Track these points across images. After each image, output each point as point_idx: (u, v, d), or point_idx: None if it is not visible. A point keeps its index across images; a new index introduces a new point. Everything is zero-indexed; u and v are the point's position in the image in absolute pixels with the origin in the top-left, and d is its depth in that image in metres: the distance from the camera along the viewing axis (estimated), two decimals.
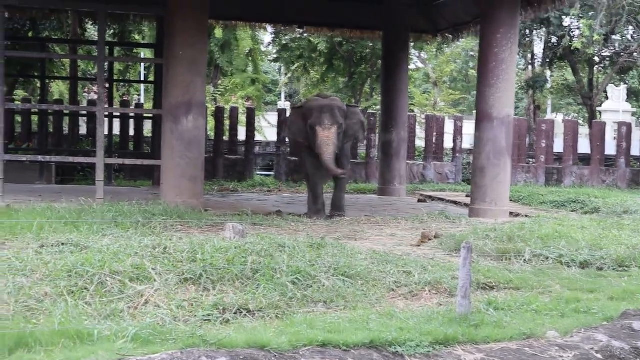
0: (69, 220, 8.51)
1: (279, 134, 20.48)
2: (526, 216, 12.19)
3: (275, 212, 11.58)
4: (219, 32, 24.64)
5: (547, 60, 27.47)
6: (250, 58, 28.98)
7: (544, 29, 26.14)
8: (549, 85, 29.78)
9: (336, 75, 28.79)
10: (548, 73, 28.94)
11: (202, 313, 5.22)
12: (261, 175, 20.75)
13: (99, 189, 11.88)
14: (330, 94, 12.27)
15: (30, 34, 21.79)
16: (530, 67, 29.57)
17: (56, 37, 23.06)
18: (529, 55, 28.99)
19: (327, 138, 10.93)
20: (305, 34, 23.81)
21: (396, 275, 6.50)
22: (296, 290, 5.78)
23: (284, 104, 34.82)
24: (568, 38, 24.10)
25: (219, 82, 29.39)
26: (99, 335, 4.59)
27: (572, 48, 23.81)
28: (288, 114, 20.27)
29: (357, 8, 18.62)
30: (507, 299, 5.97)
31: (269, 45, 30.32)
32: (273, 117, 27.12)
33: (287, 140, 18.73)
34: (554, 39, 26.95)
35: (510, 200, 13.83)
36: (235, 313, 5.30)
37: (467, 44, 39.61)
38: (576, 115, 42.39)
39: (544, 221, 9.99)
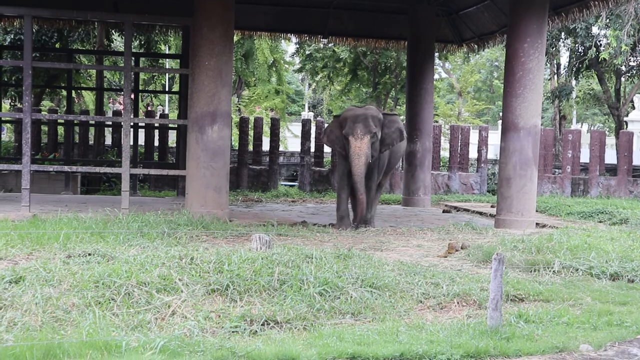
0: (95, 231, 8.51)
1: (302, 144, 20.45)
2: (553, 227, 12.06)
3: (300, 223, 11.54)
4: (239, 42, 24.71)
5: (574, 69, 27.27)
6: (274, 69, 29.05)
7: (571, 39, 25.96)
8: (574, 95, 29.57)
9: (360, 86, 28.75)
10: (574, 83, 28.72)
11: (230, 324, 5.19)
12: (285, 185, 20.72)
13: (125, 199, 11.89)
14: (368, 104, 12.22)
15: (57, 45, 21.94)
16: (555, 76, 29.39)
17: (83, 48, 23.22)
18: (555, 65, 28.80)
19: (359, 149, 10.91)
20: (329, 44, 23.79)
21: (424, 287, 6.44)
22: (324, 301, 5.74)
23: (307, 114, 34.86)
24: (594, 48, 23.89)
25: (243, 92, 29.46)
26: (126, 347, 4.57)
27: (599, 58, 23.59)
28: (313, 124, 20.36)
29: (382, 18, 18.60)
30: (537, 312, 5.89)
31: (293, 55, 30.33)
32: (297, 128, 27.15)
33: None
34: (581, 49, 26.77)
35: (537, 211, 13.71)
36: (262, 324, 5.27)
37: (492, 54, 39.55)
38: (602, 125, 42.10)
39: (572, 232, 9.87)
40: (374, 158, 11.22)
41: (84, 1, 14.76)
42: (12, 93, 23.31)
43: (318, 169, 20.44)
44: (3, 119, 19.55)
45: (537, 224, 12.58)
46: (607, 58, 22.26)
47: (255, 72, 27.55)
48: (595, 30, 24.68)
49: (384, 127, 11.29)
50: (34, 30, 15.44)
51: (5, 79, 21.06)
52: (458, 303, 6.15)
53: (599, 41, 24.64)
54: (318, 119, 24.30)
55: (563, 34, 24.99)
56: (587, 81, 28.96)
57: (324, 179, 20.23)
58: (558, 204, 16.39)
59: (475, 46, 19.52)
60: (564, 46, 27.88)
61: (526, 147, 12.28)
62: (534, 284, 6.87)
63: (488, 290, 5.81)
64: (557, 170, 22.30)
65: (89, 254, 6.77)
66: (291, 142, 28.37)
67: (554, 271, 7.55)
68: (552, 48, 25.98)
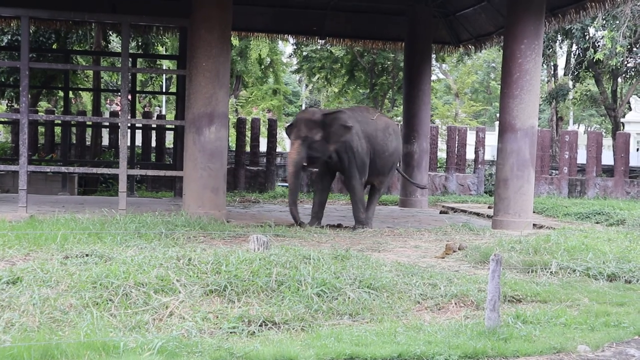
0: (93, 231, 8.50)
1: None
2: (550, 228, 12.07)
3: (298, 224, 11.54)
4: (235, 41, 24.70)
5: (571, 71, 27.31)
6: (271, 69, 29.03)
7: (567, 40, 26.01)
8: (571, 96, 29.62)
9: (357, 87, 28.77)
10: (570, 84, 28.76)
11: (228, 325, 5.18)
12: (282, 186, 20.71)
13: (122, 199, 11.88)
14: (312, 107, 12.26)
15: (54, 46, 21.93)
16: (552, 78, 29.42)
17: (80, 49, 23.20)
18: (552, 66, 28.84)
19: (290, 153, 11.40)
20: (326, 45, 23.80)
21: (422, 288, 6.44)
22: (321, 302, 5.74)
23: None
24: (592, 50, 23.94)
25: (240, 93, 29.45)
26: (124, 348, 4.56)
27: (595, 59, 23.63)
28: None
29: (379, 19, 18.61)
30: (535, 312, 5.89)
31: (290, 56, 30.34)
32: None
33: None
34: (577, 50, 26.81)
35: (534, 212, 13.72)
36: (260, 325, 5.26)
37: (489, 56, 39.59)
38: (599, 126, 42.17)
39: (569, 233, 9.88)
40: (332, 159, 11.39)
41: (81, 2, 14.74)
42: (10, 94, 23.29)
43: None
44: (0, 119, 19.53)
45: (534, 225, 12.60)
46: (602, 59, 22.29)
47: (249, 70, 27.53)
48: (591, 31, 24.72)
49: (326, 126, 11.28)
50: (31, 31, 15.40)
51: (2, 80, 21.06)
52: (456, 304, 6.15)
53: (597, 42, 24.68)
54: None
55: (559, 35, 25.04)
56: (584, 83, 28.99)
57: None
58: (555, 205, 16.40)
59: (472, 47, 19.55)
60: (560, 48, 27.93)
61: (523, 148, 12.30)
62: (531, 284, 6.88)
63: (486, 291, 5.82)
64: (554, 171, 22.34)
65: (87, 255, 6.75)
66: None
67: (551, 272, 7.55)
68: (549, 50, 26.02)
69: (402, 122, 18.50)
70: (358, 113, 11.92)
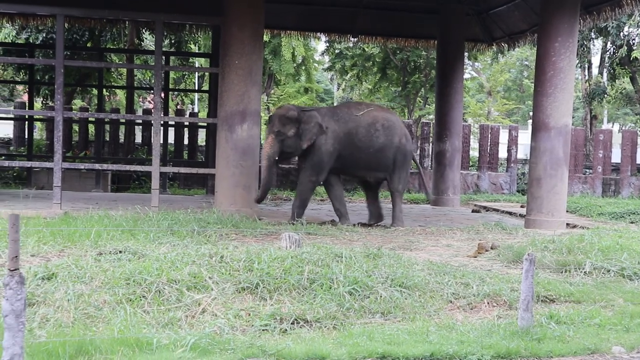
0: (126, 228, 8.56)
1: None
2: (584, 228, 11.96)
3: (329, 222, 11.54)
4: (267, 38, 24.75)
5: (608, 69, 27.02)
6: (303, 67, 29.03)
7: (602, 38, 25.74)
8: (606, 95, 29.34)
9: (389, 85, 28.68)
10: (605, 82, 28.45)
11: (260, 323, 5.20)
12: None
13: (154, 197, 11.95)
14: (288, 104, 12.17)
15: (88, 44, 22.11)
16: (587, 76, 29.14)
17: (114, 47, 23.38)
18: (586, 65, 28.57)
19: (263, 147, 11.46)
20: (358, 43, 23.75)
21: (454, 287, 6.41)
22: (353, 300, 5.73)
23: None
24: (627, 47, 23.68)
25: (272, 91, 29.49)
26: (157, 344, 4.59)
27: (631, 57, 23.37)
28: None
29: (412, 17, 18.55)
30: (568, 313, 5.84)
31: (322, 54, 30.33)
32: None
33: None
34: (612, 48, 26.52)
35: (567, 212, 13.60)
36: (292, 323, 5.27)
37: (522, 53, 39.29)
38: (633, 125, 41.68)
39: (603, 233, 9.78)
40: (311, 154, 11.41)
41: (115, 0, 14.85)
42: (45, 91, 23.53)
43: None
44: (35, 117, 19.74)
45: (567, 224, 12.49)
46: (638, 57, 22.04)
47: (282, 68, 27.56)
48: (627, 29, 24.45)
49: (302, 122, 11.30)
50: (65, 29, 15.54)
51: (38, 78, 21.25)
52: (488, 303, 6.12)
53: (632, 40, 24.41)
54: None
55: (594, 33, 24.78)
56: (620, 81, 28.68)
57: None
58: (589, 204, 16.26)
59: (506, 45, 19.41)
60: (594, 45, 27.64)
61: (557, 147, 12.19)
62: (564, 284, 6.82)
63: (518, 291, 5.78)
64: (587, 170, 22.12)
65: (120, 252, 6.80)
66: None
67: (585, 272, 7.48)
68: (583, 48, 25.77)
69: (434, 121, 18.42)
70: (341, 110, 11.90)
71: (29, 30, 21.47)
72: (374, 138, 11.62)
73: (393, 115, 12.40)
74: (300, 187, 11.65)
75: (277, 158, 11.38)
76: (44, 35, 21.29)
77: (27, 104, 19.80)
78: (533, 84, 13.03)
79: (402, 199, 12.30)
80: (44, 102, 24.45)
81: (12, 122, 21.58)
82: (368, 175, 11.91)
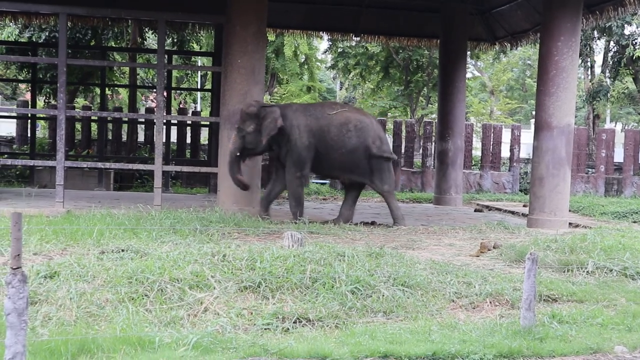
0: (128, 227, 8.57)
1: None
2: (587, 227, 11.95)
3: (331, 221, 11.54)
4: (270, 37, 24.76)
5: (611, 69, 26.99)
6: (306, 66, 29.04)
7: (605, 37, 25.72)
8: (609, 95, 29.34)
9: (392, 84, 28.69)
10: (608, 82, 28.44)
11: (262, 322, 5.20)
12: (316, 183, 20.73)
13: (157, 195, 11.96)
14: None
15: (91, 43, 22.13)
16: (589, 75, 29.13)
17: (116, 46, 23.40)
18: (589, 64, 28.56)
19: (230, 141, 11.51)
20: (361, 42, 23.76)
21: (456, 286, 6.41)
22: (355, 299, 5.74)
23: None
24: (631, 47, 23.66)
25: (275, 90, 29.50)
26: (160, 343, 4.60)
27: (634, 56, 23.34)
28: None
29: (414, 16, 18.55)
30: (571, 312, 5.84)
31: (325, 52, 30.35)
32: None
33: None
34: (615, 48, 26.50)
35: (570, 211, 13.58)
36: (294, 322, 5.27)
37: (524, 53, 39.26)
38: (636, 124, 41.64)
39: (606, 232, 9.77)
40: (290, 152, 11.34)
41: None
42: (47, 90, 23.55)
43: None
44: (38, 115, 19.77)
45: (570, 223, 12.48)
46: None
47: (286, 67, 27.59)
48: (630, 28, 24.43)
49: (263, 119, 11.26)
50: (68, 27, 15.55)
51: (40, 76, 21.27)
52: (490, 303, 6.12)
53: (635, 40, 24.39)
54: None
55: (596, 32, 24.77)
56: (622, 80, 28.66)
57: None
58: (591, 203, 16.24)
59: (508, 45, 19.42)
60: (597, 45, 27.63)
61: (559, 146, 12.18)
62: (567, 284, 6.81)
63: (521, 290, 5.78)
64: (590, 169, 22.10)
65: (122, 250, 6.81)
66: None
67: (587, 271, 7.47)
68: (586, 47, 25.75)
69: (437, 120, 18.42)
70: (315, 108, 11.82)
71: (32, 28, 21.51)
72: (345, 138, 11.45)
73: (368, 117, 12.14)
74: (290, 187, 11.60)
75: (238, 154, 11.29)
76: (47, 33, 21.33)
77: (29, 103, 19.84)
78: (536, 83, 13.00)
79: (394, 198, 12.09)
80: (46, 100, 24.48)
81: (14, 120, 21.60)
82: (342, 176, 11.86)
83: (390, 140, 21.41)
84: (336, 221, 11.41)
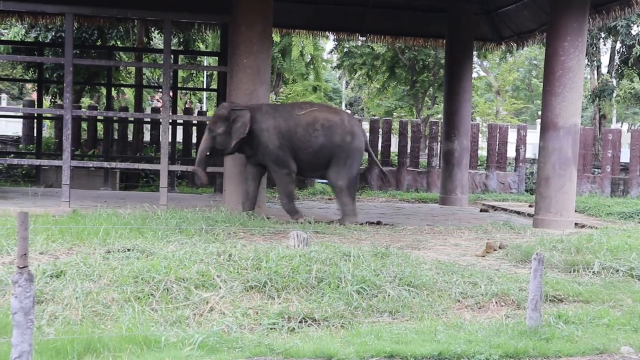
0: (134, 226, 8.58)
1: None
2: (593, 227, 11.93)
3: (337, 221, 11.53)
4: (276, 38, 24.78)
5: (615, 68, 26.94)
6: (312, 66, 29.06)
7: (611, 37, 25.67)
8: (615, 94, 29.27)
9: (398, 84, 28.67)
10: (614, 82, 28.38)
11: (268, 321, 5.20)
12: (322, 183, 20.71)
13: (163, 195, 11.99)
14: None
15: (97, 43, 22.16)
16: (595, 75, 29.08)
17: (122, 46, 23.43)
18: (595, 64, 28.51)
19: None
20: (367, 42, 23.76)
21: (462, 286, 6.40)
22: (361, 299, 5.73)
23: None
24: (638, 47, 23.61)
25: (281, 90, 29.51)
26: (166, 342, 4.61)
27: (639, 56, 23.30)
28: None
29: (420, 16, 18.54)
30: (577, 312, 5.83)
31: (330, 52, 30.34)
32: None
33: None
34: (622, 48, 26.45)
35: (576, 211, 13.56)
36: (300, 322, 5.28)
37: (530, 53, 39.22)
38: None
39: (612, 233, 9.75)
40: (267, 156, 11.35)
41: None
42: (53, 90, 23.59)
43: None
44: (44, 115, 19.81)
45: (576, 224, 12.46)
46: None
47: (292, 67, 27.61)
48: (636, 28, 24.38)
49: (233, 122, 11.30)
50: (74, 27, 15.57)
51: (47, 76, 21.31)
52: (496, 303, 6.11)
53: None
54: (355, 116, 24.27)
55: (603, 32, 24.72)
56: (629, 80, 28.59)
57: (360, 177, 20.18)
58: (597, 204, 16.21)
59: (514, 45, 19.38)
60: (604, 45, 27.58)
61: (565, 147, 12.16)
62: (573, 284, 6.80)
63: (527, 290, 5.77)
64: (596, 170, 22.06)
65: (128, 250, 6.82)
66: None
67: (593, 272, 7.45)
68: (592, 47, 25.70)
69: (442, 120, 18.40)
70: (284, 108, 11.80)
71: (38, 28, 21.54)
72: (312, 138, 11.40)
73: (339, 115, 11.93)
74: (280, 185, 11.67)
75: (208, 154, 11.47)
76: (53, 33, 21.36)
77: (36, 102, 19.88)
78: (542, 84, 12.99)
79: (347, 195, 11.66)
80: (52, 100, 24.54)
81: (21, 120, 21.67)
82: (307, 175, 11.92)
83: (395, 140, 21.43)
84: (341, 221, 11.41)
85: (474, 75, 26.28)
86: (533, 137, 22.81)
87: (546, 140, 12.33)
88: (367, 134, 21.28)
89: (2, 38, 24.33)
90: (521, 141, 21.59)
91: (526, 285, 6.18)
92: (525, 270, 7.38)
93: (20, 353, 3.89)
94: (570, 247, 8.28)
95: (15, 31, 23.32)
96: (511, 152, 22.18)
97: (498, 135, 21.47)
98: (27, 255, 4.03)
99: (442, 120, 18.94)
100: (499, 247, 8.98)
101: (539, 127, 13.15)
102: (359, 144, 11.74)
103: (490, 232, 10.94)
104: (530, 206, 15.76)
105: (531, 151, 23.92)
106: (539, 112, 16.16)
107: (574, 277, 7.30)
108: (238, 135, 11.19)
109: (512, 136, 22.73)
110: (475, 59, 23.79)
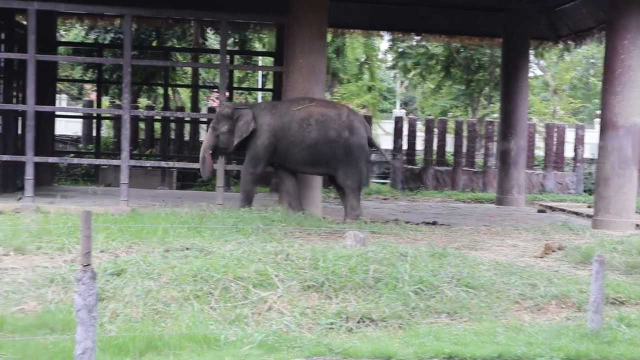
0: (192, 225, 8.66)
1: (394, 141, 20.41)
2: None
3: (392, 220, 11.51)
4: (330, 37, 24.77)
5: None
6: (366, 66, 29.02)
7: None
8: None
9: (453, 83, 28.45)
10: None
11: (326, 321, 5.22)
12: (377, 183, 20.68)
13: (219, 194, 12.08)
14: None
15: (154, 43, 22.43)
16: None
17: (179, 46, 23.66)
18: None
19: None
20: (422, 41, 23.65)
21: (521, 287, 6.33)
22: (419, 300, 5.71)
23: (399, 111, 34.72)
24: None
25: (336, 89, 29.52)
26: (225, 341, 4.65)
27: None
28: (406, 121, 20.36)
29: (476, 15, 18.38)
30: (639, 315, 5.72)
31: (385, 52, 30.25)
32: (388, 125, 27.08)
33: None
34: None
35: (637, 212, 13.30)
36: (358, 322, 5.28)
37: (588, 51, 38.57)
38: None
39: None
40: (249, 149, 11.35)
41: (181, 0, 15.04)
42: (113, 90, 23.94)
43: (410, 166, 20.34)
44: (103, 115, 20.11)
45: (636, 225, 12.23)
46: None
47: (347, 67, 27.59)
48: None
49: (236, 120, 11.31)
50: (133, 29, 15.78)
51: (106, 77, 21.63)
52: (556, 305, 6.04)
53: None
54: (410, 116, 24.18)
55: None
56: None
57: (416, 177, 20.12)
58: None
59: (572, 43, 19.09)
60: None
61: (625, 146, 11.96)
62: (635, 286, 6.68)
63: (587, 292, 5.69)
64: None
65: (187, 249, 6.89)
66: (383, 139, 28.26)
67: None
68: None
69: (499, 119, 18.23)
70: (282, 105, 11.66)
71: (97, 30, 21.88)
72: (305, 133, 11.25)
73: (337, 109, 11.70)
74: (242, 181, 11.83)
75: (211, 152, 11.52)
76: (112, 35, 21.66)
77: (95, 103, 20.19)
78: (599, 82, 12.80)
79: (356, 195, 11.55)
80: (111, 100, 24.88)
81: (80, 120, 22.02)
82: (307, 171, 11.70)
83: (451, 139, 21.28)
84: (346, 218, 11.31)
85: (531, 74, 25.98)
86: (591, 136, 22.46)
87: (605, 140, 12.14)
88: (422, 134, 21.26)
89: (63, 40, 24.74)
90: (579, 141, 21.28)
91: (586, 287, 6.09)
92: (585, 272, 7.27)
93: (84, 349, 3.96)
94: (630, 248, 8.16)
95: (75, 33, 23.72)
96: (569, 152, 21.87)
97: (555, 134, 21.20)
98: (90, 253, 4.10)
99: (498, 120, 18.76)
100: (558, 249, 8.87)
101: (597, 126, 12.97)
102: (359, 139, 11.44)
103: (548, 233, 10.80)
104: (589, 207, 15.52)
105: (589, 151, 23.52)
106: (597, 112, 15.92)
107: (636, 279, 7.18)
108: (241, 134, 11.28)
109: (569, 136, 22.41)
110: (531, 57, 23.50)
